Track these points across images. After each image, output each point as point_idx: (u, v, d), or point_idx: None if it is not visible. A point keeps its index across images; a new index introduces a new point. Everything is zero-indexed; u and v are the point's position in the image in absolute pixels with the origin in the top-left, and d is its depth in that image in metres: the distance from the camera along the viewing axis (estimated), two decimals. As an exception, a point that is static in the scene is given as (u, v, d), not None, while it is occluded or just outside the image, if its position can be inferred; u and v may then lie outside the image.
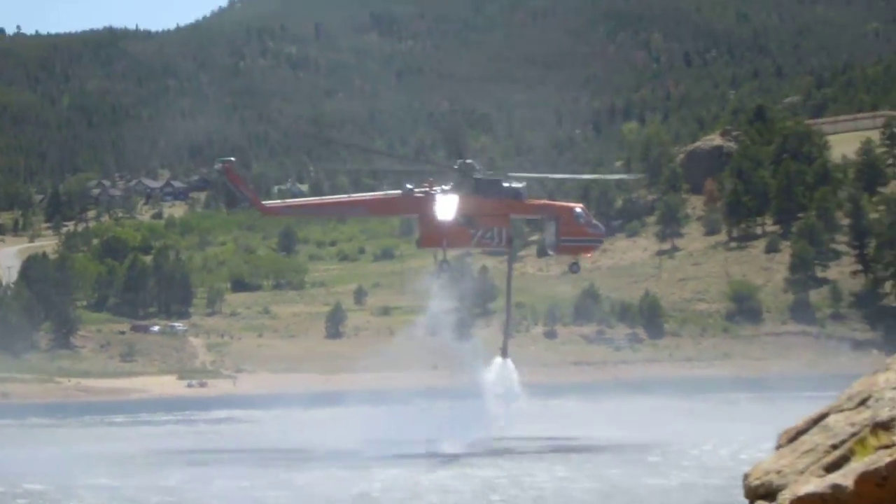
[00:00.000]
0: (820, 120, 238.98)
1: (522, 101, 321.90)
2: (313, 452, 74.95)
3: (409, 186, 61.15)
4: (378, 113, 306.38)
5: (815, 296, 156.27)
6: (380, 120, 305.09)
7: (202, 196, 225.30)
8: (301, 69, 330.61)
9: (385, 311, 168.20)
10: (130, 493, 56.58)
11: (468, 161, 58.61)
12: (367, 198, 68.71)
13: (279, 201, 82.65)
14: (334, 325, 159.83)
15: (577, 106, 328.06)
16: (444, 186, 58.16)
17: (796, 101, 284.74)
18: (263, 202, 74.68)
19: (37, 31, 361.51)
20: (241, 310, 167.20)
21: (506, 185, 57.55)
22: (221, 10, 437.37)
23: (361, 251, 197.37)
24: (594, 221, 66.41)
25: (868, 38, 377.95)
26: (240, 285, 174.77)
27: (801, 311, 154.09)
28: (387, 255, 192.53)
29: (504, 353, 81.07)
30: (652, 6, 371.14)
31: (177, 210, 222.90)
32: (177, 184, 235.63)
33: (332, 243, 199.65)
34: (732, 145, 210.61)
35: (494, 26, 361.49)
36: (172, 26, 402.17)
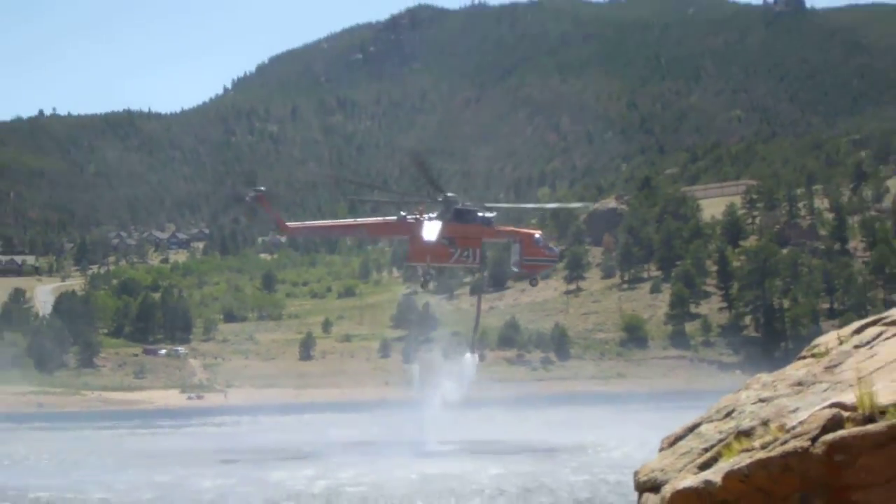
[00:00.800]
0: (694, 187, 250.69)
1: (458, 169, 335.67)
2: (285, 452, 74.83)
3: (402, 213, 60.71)
4: (341, 178, 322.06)
5: (690, 327, 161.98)
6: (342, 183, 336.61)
7: (200, 245, 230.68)
8: (280, 143, 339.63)
9: (347, 338, 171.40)
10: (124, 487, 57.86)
11: (450, 195, 59.89)
12: (368, 222, 68.34)
13: (298, 223, 78.72)
14: (306, 349, 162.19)
15: (502, 174, 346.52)
16: (430, 214, 58.44)
17: (675, 172, 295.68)
18: (287, 223, 72.59)
19: (68, 112, 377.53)
20: (230, 337, 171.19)
21: (480, 214, 58.48)
22: (217, 97, 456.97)
23: (328, 289, 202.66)
24: (550, 245, 67.64)
25: (732, 122, 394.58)
26: (230, 317, 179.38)
27: (679, 339, 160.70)
28: (349, 293, 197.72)
29: (472, 350, 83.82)
30: (562, 96, 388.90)
31: (180, 256, 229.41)
32: (180, 235, 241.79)
33: (305, 283, 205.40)
34: (625, 207, 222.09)
35: (436, 109, 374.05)
36: (178, 109, 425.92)
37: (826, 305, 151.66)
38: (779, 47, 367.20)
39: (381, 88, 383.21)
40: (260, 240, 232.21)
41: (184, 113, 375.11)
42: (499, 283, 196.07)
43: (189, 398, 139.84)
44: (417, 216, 60.55)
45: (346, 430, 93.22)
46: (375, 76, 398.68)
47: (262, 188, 72.68)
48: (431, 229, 57.60)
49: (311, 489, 55.76)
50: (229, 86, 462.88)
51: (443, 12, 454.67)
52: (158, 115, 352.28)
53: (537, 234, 65.95)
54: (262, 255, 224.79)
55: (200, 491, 55.87)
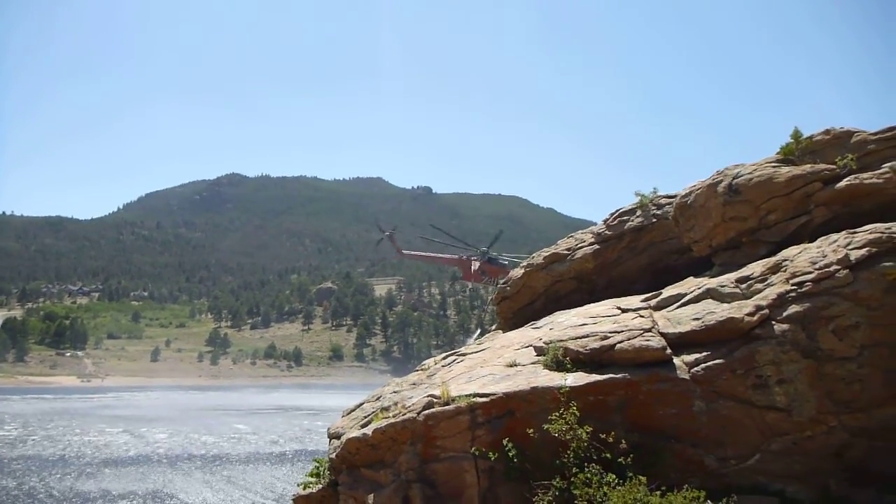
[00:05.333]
0: (371, 279, 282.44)
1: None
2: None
3: (463, 256, 79.37)
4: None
5: (367, 350, 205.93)
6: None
7: (97, 294, 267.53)
8: (150, 242, 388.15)
9: (179, 350, 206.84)
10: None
11: (484, 248, 76.22)
12: (447, 256, 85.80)
13: (408, 251, 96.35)
14: (154, 355, 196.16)
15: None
16: (474, 257, 75.74)
17: (363, 271, 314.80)
18: (402, 251, 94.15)
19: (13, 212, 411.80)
20: (110, 347, 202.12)
21: (500, 259, 73.47)
22: (112, 213, 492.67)
23: (170, 323, 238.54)
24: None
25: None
26: (111, 336, 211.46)
27: (361, 357, 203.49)
28: (182, 325, 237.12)
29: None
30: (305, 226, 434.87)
31: (83, 300, 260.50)
32: (85, 288, 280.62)
33: (157, 318, 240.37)
34: (336, 287, 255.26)
35: (243, 231, 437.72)
36: (89, 217, 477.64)
37: (434, 342, 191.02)
38: (418, 215, 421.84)
39: (209, 217, 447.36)
40: (132, 294, 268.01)
41: (92, 220, 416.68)
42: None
43: (82, 381, 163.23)
44: (470, 257, 77.61)
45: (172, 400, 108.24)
46: (208, 210, 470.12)
47: (394, 229, 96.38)
48: (476, 265, 74.52)
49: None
50: (121, 206, 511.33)
51: (244, 178, 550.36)
52: (76, 220, 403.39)
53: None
54: (133, 302, 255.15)
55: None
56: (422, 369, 14.53)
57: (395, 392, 13.27)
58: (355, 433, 12.09)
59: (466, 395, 11.08)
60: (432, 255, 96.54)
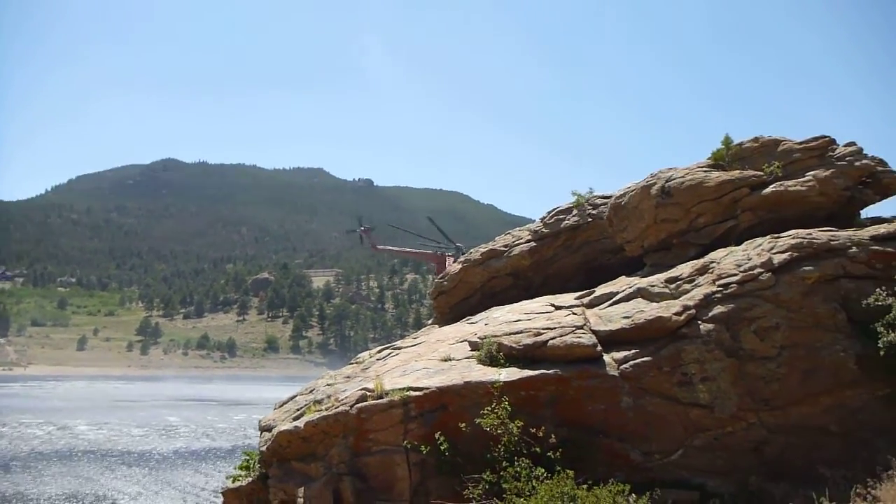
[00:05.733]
0: (309, 271, 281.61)
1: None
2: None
3: (438, 252, 79.60)
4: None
5: (304, 342, 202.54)
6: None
7: (21, 279, 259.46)
8: (78, 227, 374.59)
9: (107, 339, 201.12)
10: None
11: (459, 244, 76.88)
12: (422, 252, 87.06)
13: (382, 246, 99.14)
14: (81, 344, 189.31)
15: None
16: (449, 254, 75.18)
17: (302, 262, 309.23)
18: (377, 246, 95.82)
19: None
20: (34, 335, 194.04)
21: None
22: (40, 195, 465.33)
23: (98, 311, 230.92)
24: None
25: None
26: (35, 323, 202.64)
27: (298, 350, 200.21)
28: (111, 313, 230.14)
29: None
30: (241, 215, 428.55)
31: (7, 285, 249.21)
32: (8, 273, 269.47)
33: (84, 306, 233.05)
34: (272, 277, 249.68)
35: (179, 217, 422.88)
36: (16, 198, 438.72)
37: (372, 335, 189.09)
38: (359, 207, 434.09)
39: (142, 203, 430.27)
40: (58, 280, 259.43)
41: (18, 202, 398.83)
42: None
43: (3, 370, 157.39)
44: (444, 253, 77.88)
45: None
46: (142, 195, 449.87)
47: (369, 225, 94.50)
48: (451, 261, 69.87)
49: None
50: (50, 188, 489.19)
51: (181, 163, 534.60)
52: (1, 201, 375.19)
53: None
54: (59, 288, 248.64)
55: None
56: (357, 362, 14.54)
57: (328, 385, 13.25)
58: (287, 426, 12.08)
59: (400, 389, 11.10)
60: (407, 250, 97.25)
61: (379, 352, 14.34)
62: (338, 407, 11.49)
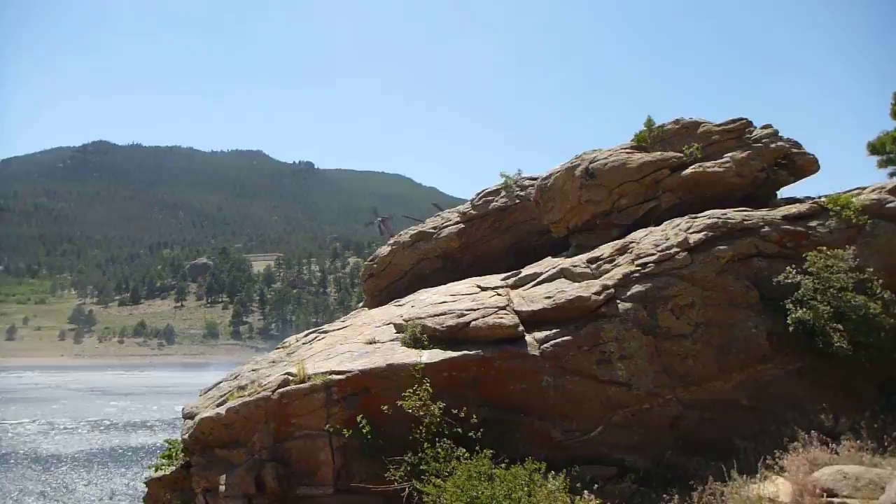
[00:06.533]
0: (250, 255, 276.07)
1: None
2: None
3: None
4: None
5: (244, 329, 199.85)
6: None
7: None
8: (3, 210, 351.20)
9: (38, 328, 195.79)
10: None
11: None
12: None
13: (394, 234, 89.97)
14: (10, 333, 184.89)
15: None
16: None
17: (241, 246, 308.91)
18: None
19: None
20: None
21: None
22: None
23: (29, 299, 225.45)
24: None
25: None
26: None
27: (238, 336, 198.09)
28: (43, 301, 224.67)
29: None
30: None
31: None
32: None
33: (14, 294, 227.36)
34: (211, 262, 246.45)
35: (109, 200, 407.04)
36: None
37: (314, 320, 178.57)
38: (299, 190, 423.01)
39: (73, 187, 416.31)
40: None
41: None
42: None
43: None
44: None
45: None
46: (73, 179, 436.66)
47: (387, 215, 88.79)
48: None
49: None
50: None
51: (113, 146, 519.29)
52: None
53: None
54: None
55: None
56: (283, 347, 14.41)
57: (253, 370, 13.05)
58: (209, 413, 11.83)
59: (323, 373, 11.01)
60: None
61: (305, 336, 14.21)
62: (260, 392, 11.32)
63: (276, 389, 11.19)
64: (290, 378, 11.35)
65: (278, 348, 14.53)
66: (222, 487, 11.05)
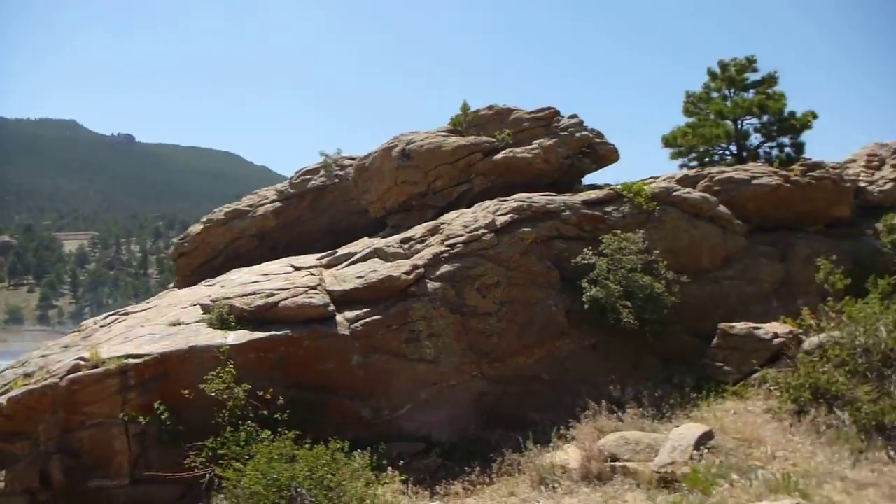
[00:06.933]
0: (60, 233, 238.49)
1: None
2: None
3: None
4: None
5: (53, 314, 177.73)
6: None
7: None
8: None
9: None
10: None
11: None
12: None
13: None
14: None
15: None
16: None
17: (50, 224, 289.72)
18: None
19: None
20: None
21: None
22: None
23: None
24: None
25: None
26: None
27: (46, 320, 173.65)
28: None
29: None
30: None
31: None
32: None
33: None
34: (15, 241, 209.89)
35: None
36: None
37: (133, 303, 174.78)
38: (118, 164, 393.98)
39: None
40: None
41: None
42: None
43: None
44: None
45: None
46: None
47: None
48: None
49: None
50: None
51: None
52: None
53: None
54: None
55: None
56: (79, 331, 13.42)
57: (43, 356, 12.07)
58: (-10, 400, 10.60)
59: (118, 357, 10.35)
60: None
61: (105, 318, 13.31)
62: (46, 379, 10.52)
63: (65, 376, 10.46)
64: (82, 363, 10.67)
65: (74, 332, 13.54)
66: (1, 484, 10.09)
